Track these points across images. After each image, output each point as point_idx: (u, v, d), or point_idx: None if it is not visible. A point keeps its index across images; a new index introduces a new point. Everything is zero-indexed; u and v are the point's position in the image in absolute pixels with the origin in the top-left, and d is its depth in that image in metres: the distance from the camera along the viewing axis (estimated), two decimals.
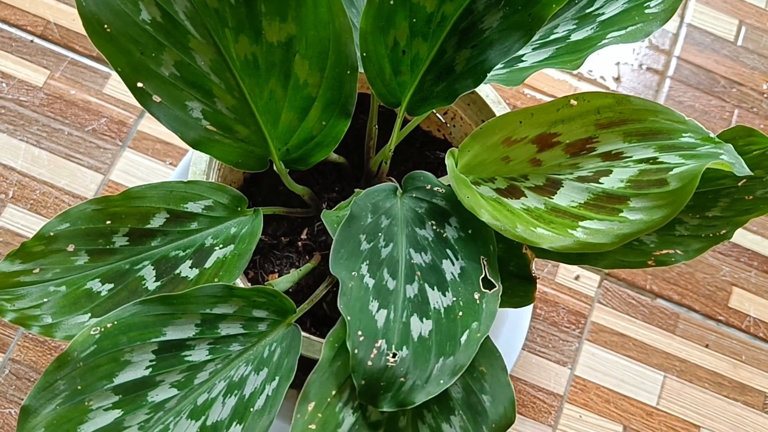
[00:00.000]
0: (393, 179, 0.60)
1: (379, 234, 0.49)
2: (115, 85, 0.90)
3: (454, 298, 0.47)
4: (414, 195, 0.52)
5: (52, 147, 0.87)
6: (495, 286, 0.47)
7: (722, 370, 0.87)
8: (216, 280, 0.49)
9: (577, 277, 0.88)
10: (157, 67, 0.45)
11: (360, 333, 0.44)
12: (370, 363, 0.44)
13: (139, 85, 0.45)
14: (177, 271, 0.50)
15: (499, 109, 0.64)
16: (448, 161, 0.49)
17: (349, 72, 0.48)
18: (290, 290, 0.61)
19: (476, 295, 0.47)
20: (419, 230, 0.50)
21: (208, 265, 0.50)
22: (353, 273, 0.46)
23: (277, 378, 0.46)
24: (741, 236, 0.93)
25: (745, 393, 0.87)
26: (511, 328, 0.79)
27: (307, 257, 0.63)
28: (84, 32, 0.91)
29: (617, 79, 0.98)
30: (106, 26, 0.43)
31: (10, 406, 0.78)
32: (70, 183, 0.86)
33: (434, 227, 0.50)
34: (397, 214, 0.50)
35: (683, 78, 0.98)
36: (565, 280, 0.88)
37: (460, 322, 0.46)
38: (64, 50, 0.91)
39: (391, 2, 0.48)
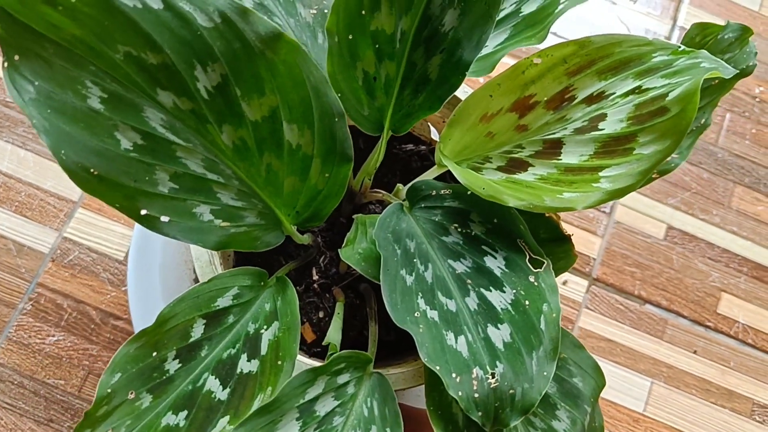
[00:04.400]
0: (379, 191, 0.59)
1: (415, 260, 0.48)
2: None
3: (514, 291, 0.46)
4: (423, 205, 0.51)
5: (37, 149, 0.86)
6: (544, 262, 0.47)
7: (710, 377, 0.87)
8: (279, 362, 0.48)
9: (564, 282, 0.88)
10: (154, 188, 0.44)
11: (454, 375, 0.44)
12: (476, 395, 0.43)
13: (143, 212, 0.44)
14: (238, 371, 0.48)
15: (466, 94, 0.63)
16: (445, 161, 0.49)
17: (336, 119, 0.47)
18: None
19: (531, 279, 0.46)
20: (446, 238, 0.49)
21: (263, 351, 0.49)
22: (416, 314, 0.46)
23: (388, 431, 0.47)
24: (731, 241, 0.93)
25: (733, 400, 0.86)
26: None
27: (327, 295, 0.62)
28: None
29: None
30: (92, 170, 0.41)
31: None
32: (55, 185, 0.85)
33: (459, 229, 0.49)
34: (417, 231, 0.50)
35: None
36: None
37: (532, 311, 0.45)
38: None
39: (350, 37, 0.48)
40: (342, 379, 0.48)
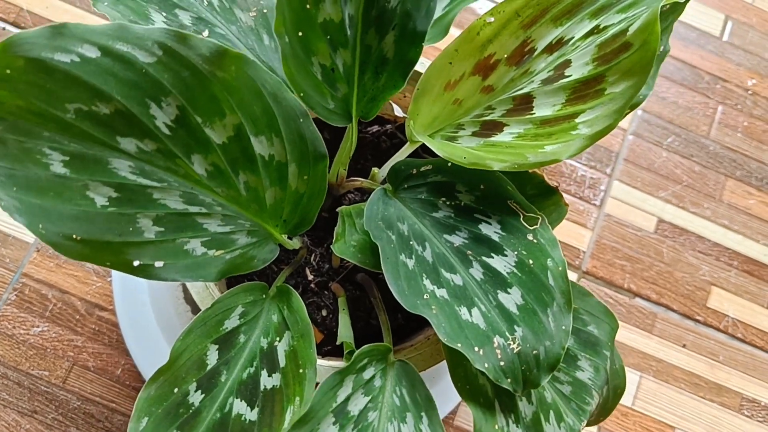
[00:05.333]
0: (356, 179, 0.58)
1: (411, 242, 0.48)
2: None
3: (515, 252, 0.46)
4: (406, 186, 0.51)
5: None
6: (538, 218, 0.47)
7: (699, 371, 0.87)
8: (300, 371, 0.47)
9: None
10: (141, 237, 0.43)
11: (476, 348, 0.44)
12: (502, 363, 0.44)
13: (136, 263, 0.43)
14: (262, 388, 0.47)
15: (424, 66, 0.62)
16: (419, 137, 0.48)
17: (301, 120, 0.46)
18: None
19: (530, 237, 0.46)
20: (437, 214, 0.49)
21: (282, 363, 0.48)
22: (425, 296, 0.45)
23: (423, 415, 0.47)
24: (722, 235, 0.92)
25: (722, 394, 0.86)
26: None
27: (325, 292, 0.62)
28: (56, 19, 0.90)
29: None
30: (74, 236, 0.40)
31: None
32: None
33: (447, 203, 0.49)
34: (406, 212, 0.49)
35: (668, 74, 0.97)
36: None
37: (538, 268, 0.45)
38: None
39: (300, 34, 0.47)
40: (367, 374, 0.48)
